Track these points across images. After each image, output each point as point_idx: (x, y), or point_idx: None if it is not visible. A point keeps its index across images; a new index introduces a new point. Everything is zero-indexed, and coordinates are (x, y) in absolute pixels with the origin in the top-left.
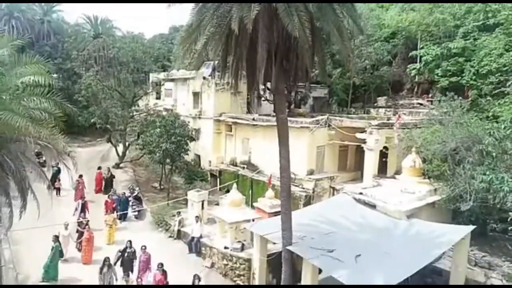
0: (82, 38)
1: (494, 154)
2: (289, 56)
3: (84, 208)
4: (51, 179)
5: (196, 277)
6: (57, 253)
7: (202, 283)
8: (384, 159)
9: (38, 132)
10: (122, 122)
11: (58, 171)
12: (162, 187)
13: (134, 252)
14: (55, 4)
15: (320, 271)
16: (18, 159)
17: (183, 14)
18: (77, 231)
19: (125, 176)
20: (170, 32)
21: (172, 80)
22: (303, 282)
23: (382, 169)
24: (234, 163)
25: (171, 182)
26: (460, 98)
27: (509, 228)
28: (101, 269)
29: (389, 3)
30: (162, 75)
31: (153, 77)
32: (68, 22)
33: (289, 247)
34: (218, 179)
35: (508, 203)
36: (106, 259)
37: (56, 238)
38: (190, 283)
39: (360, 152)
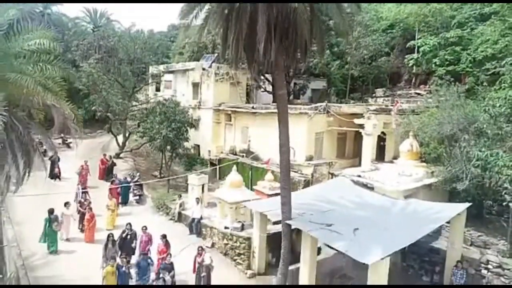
0: (81, 31)
1: (489, 133)
2: (288, 33)
3: (85, 193)
4: (51, 167)
5: (200, 249)
6: (51, 225)
7: (206, 256)
8: (382, 143)
9: (45, 93)
10: (122, 111)
11: (57, 159)
12: (162, 175)
13: (135, 234)
14: None
15: (319, 252)
16: (24, 121)
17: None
18: (79, 212)
19: (125, 166)
20: (168, 30)
21: (172, 72)
22: (302, 258)
23: (380, 155)
24: (233, 152)
25: (171, 171)
26: (457, 83)
27: (505, 210)
28: (106, 245)
29: None
30: (161, 67)
31: (152, 69)
32: (67, 15)
33: (288, 221)
34: (217, 168)
35: (503, 184)
36: (110, 235)
37: (51, 211)
38: (191, 261)
39: (358, 139)
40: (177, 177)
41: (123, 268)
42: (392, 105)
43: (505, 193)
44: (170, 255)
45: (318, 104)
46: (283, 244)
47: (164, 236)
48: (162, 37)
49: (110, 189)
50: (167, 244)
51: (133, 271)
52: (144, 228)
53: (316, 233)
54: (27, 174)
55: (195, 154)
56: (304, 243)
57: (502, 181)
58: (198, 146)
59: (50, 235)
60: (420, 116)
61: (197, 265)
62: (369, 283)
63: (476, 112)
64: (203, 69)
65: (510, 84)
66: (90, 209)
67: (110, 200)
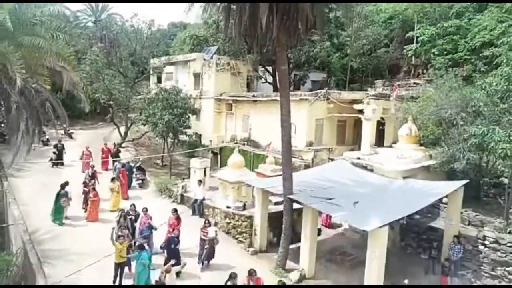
0: (83, 25)
1: (485, 112)
2: (289, 12)
3: (94, 176)
4: (57, 155)
5: (207, 221)
6: (59, 200)
7: (211, 229)
8: (381, 127)
9: (56, 56)
10: (124, 99)
11: (63, 147)
12: (164, 163)
13: (138, 215)
14: None
15: (319, 233)
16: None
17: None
18: (83, 192)
19: (127, 155)
20: (169, 28)
21: (173, 63)
22: (302, 234)
23: (379, 141)
24: (234, 141)
25: (172, 159)
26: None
27: (502, 192)
28: (118, 221)
29: None
30: (163, 59)
31: (153, 61)
32: (70, 8)
33: (290, 196)
34: (219, 156)
35: (499, 165)
36: (122, 210)
37: (63, 186)
38: (196, 238)
39: (357, 127)
40: (179, 153)
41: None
42: (391, 92)
43: (504, 177)
44: (179, 231)
45: (318, 91)
46: (285, 220)
47: (175, 210)
48: (162, 36)
49: (121, 172)
50: (178, 218)
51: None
52: (144, 209)
53: (317, 205)
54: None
55: (197, 141)
56: (305, 218)
57: (498, 155)
58: (200, 135)
59: (57, 210)
60: (418, 101)
61: (202, 238)
62: (368, 250)
63: (473, 94)
64: (204, 59)
65: (506, 63)
66: (94, 189)
67: (114, 183)
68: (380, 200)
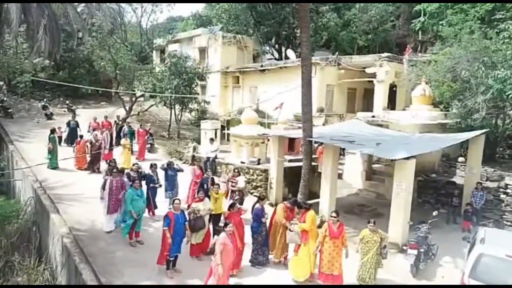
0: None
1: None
2: None
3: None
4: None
5: (236, 170)
6: (55, 143)
7: (240, 179)
8: (394, 89)
9: None
10: (130, 69)
11: (76, 125)
12: (170, 135)
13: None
14: None
15: None
16: None
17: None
18: (90, 152)
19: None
20: (168, 22)
21: (177, 41)
22: (323, 174)
23: (391, 107)
24: (241, 114)
25: (179, 131)
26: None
27: None
28: (151, 168)
29: None
30: (168, 36)
31: (156, 43)
32: None
33: (309, 138)
34: (226, 129)
35: None
36: (153, 164)
37: (52, 131)
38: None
39: (367, 96)
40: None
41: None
42: (405, 52)
43: None
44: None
45: (329, 56)
46: (304, 164)
47: (197, 162)
48: (161, 30)
49: (138, 132)
50: (201, 169)
51: None
52: (153, 165)
53: (339, 143)
54: None
55: (206, 108)
56: (325, 159)
57: None
58: (206, 111)
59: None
60: (434, 58)
61: (230, 189)
62: (395, 184)
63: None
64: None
65: None
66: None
67: (126, 139)
68: (403, 143)
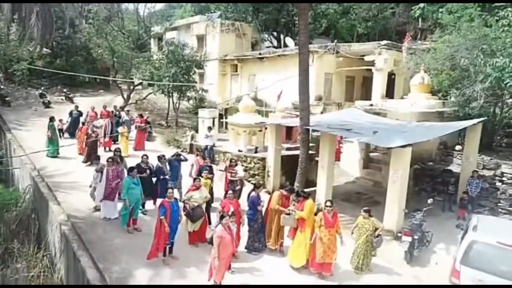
0: None
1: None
2: None
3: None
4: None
5: (233, 160)
6: (54, 131)
7: (239, 168)
8: (393, 77)
9: None
10: (127, 57)
11: (79, 115)
12: (168, 124)
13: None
14: None
15: None
16: None
17: None
18: (86, 144)
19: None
20: (165, 9)
21: (175, 28)
22: (320, 163)
23: (389, 96)
24: (240, 102)
25: (177, 119)
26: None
27: None
28: (160, 160)
29: None
30: (166, 24)
31: (154, 31)
32: None
33: (307, 127)
34: (224, 117)
35: None
36: (161, 156)
37: (51, 118)
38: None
39: (366, 84)
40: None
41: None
42: (404, 40)
43: None
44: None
45: (328, 44)
46: (301, 152)
47: (200, 151)
48: (159, 17)
49: (139, 121)
50: (204, 158)
51: None
52: (162, 157)
53: (335, 132)
54: None
55: (204, 96)
56: (322, 147)
57: None
58: (204, 99)
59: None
60: (433, 46)
61: (229, 179)
62: (391, 171)
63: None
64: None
65: None
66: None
67: (123, 127)
68: (400, 131)
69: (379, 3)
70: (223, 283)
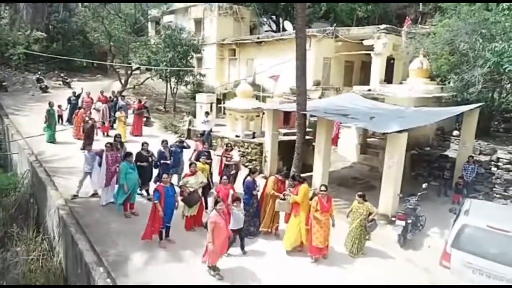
0: None
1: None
2: None
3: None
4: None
5: (229, 144)
6: (52, 117)
7: (234, 152)
8: (392, 62)
9: None
10: (124, 41)
11: (77, 99)
12: (166, 109)
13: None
14: None
15: None
16: None
17: None
18: (83, 130)
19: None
20: None
21: (172, 12)
22: (316, 148)
23: (388, 80)
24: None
25: (175, 104)
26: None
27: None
28: (162, 144)
29: None
30: (163, 7)
31: (151, 14)
32: None
33: (303, 112)
34: (222, 102)
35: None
36: (164, 141)
37: (50, 104)
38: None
39: (365, 69)
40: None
41: None
42: (403, 24)
43: None
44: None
45: (327, 28)
46: (298, 137)
47: (200, 136)
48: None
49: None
50: (203, 142)
51: None
52: (164, 141)
53: (332, 117)
54: None
55: (202, 81)
56: (319, 132)
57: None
58: (201, 83)
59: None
60: (432, 30)
61: (225, 163)
62: (386, 157)
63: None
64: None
65: None
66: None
67: (121, 112)
68: (397, 116)
69: (379, 3)
70: (220, 267)
